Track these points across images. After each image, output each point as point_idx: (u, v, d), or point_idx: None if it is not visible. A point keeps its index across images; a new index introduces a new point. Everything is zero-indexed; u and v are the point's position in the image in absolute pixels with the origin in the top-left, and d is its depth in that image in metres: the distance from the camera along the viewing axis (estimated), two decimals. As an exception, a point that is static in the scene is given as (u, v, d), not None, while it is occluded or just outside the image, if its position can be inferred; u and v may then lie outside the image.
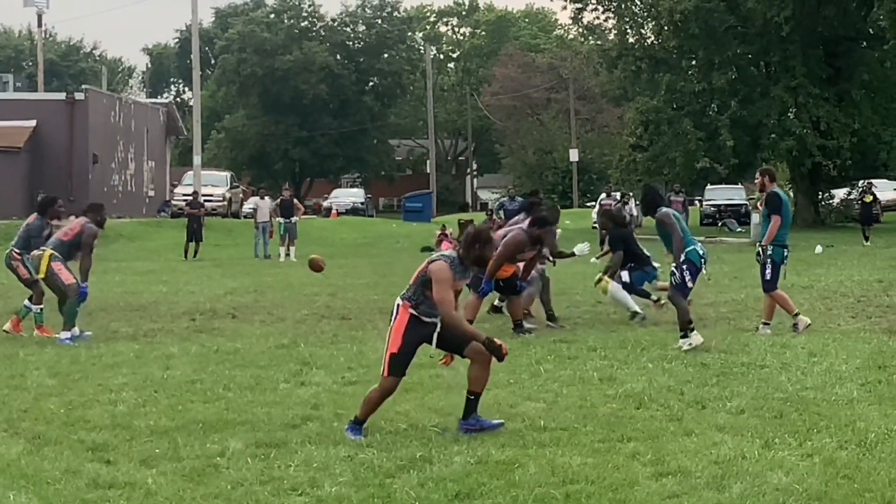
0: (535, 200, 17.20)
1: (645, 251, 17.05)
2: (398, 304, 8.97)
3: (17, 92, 61.44)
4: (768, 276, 14.55)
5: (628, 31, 51.47)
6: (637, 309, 16.24)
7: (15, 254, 15.93)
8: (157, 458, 8.26)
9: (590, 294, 20.17)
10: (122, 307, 16.93)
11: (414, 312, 8.88)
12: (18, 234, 16.16)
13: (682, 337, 13.19)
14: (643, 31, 51.59)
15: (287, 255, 35.20)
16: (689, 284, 13.60)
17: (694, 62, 50.03)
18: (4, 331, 15.51)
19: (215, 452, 8.36)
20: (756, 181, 15.09)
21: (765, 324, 14.69)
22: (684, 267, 13.53)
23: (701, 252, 13.74)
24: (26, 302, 15.84)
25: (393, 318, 8.94)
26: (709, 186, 56.29)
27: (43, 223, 16.01)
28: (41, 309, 15.78)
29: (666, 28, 48.25)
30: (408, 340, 8.87)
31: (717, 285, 20.46)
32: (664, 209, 13.92)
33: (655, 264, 16.97)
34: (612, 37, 55.24)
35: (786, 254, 14.72)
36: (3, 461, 8.12)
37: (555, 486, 7.32)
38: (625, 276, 16.62)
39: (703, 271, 13.85)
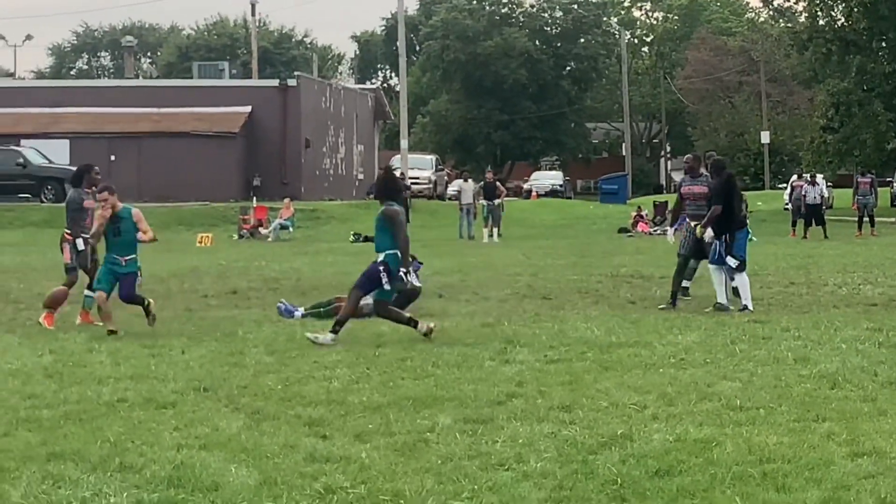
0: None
1: (743, 211, 16.58)
2: None
3: (233, 79, 63.21)
4: None
5: (818, 13, 50.65)
6: (748, 304, 15.56)
7: (66, 234, 15.21)
8: (371, 432, 8.39)
9: (782, 275, 20.12)
10: (335, 286, 17.42)
11: None
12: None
13: None
14: (833, 14, 50.68)
15: (490, 236, 35.70)
16: None
17: (884, 44, 48.91)
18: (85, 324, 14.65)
19: (425, 428, 8.52)
20: None
21: None
22: None
23: None
24: (86, 291, 14.94)
25: None
26: None
27: (80, 194, 15.22)
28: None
29: (856, 10, 47.29)
30: None
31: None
32: None
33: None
34: (802, 19, 54.48)
35: None
36: (225, 436, 8.36)
37: (752, 464, 7.38)
38: (731, 262, 15.61)
39: None
